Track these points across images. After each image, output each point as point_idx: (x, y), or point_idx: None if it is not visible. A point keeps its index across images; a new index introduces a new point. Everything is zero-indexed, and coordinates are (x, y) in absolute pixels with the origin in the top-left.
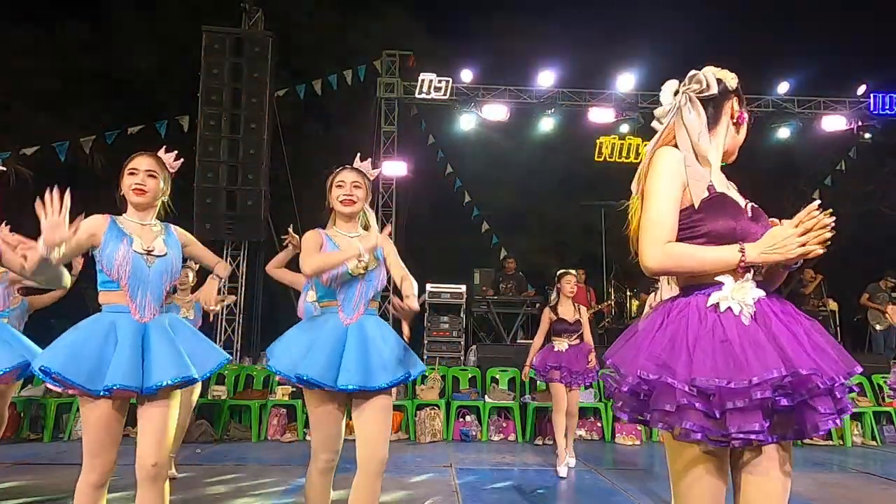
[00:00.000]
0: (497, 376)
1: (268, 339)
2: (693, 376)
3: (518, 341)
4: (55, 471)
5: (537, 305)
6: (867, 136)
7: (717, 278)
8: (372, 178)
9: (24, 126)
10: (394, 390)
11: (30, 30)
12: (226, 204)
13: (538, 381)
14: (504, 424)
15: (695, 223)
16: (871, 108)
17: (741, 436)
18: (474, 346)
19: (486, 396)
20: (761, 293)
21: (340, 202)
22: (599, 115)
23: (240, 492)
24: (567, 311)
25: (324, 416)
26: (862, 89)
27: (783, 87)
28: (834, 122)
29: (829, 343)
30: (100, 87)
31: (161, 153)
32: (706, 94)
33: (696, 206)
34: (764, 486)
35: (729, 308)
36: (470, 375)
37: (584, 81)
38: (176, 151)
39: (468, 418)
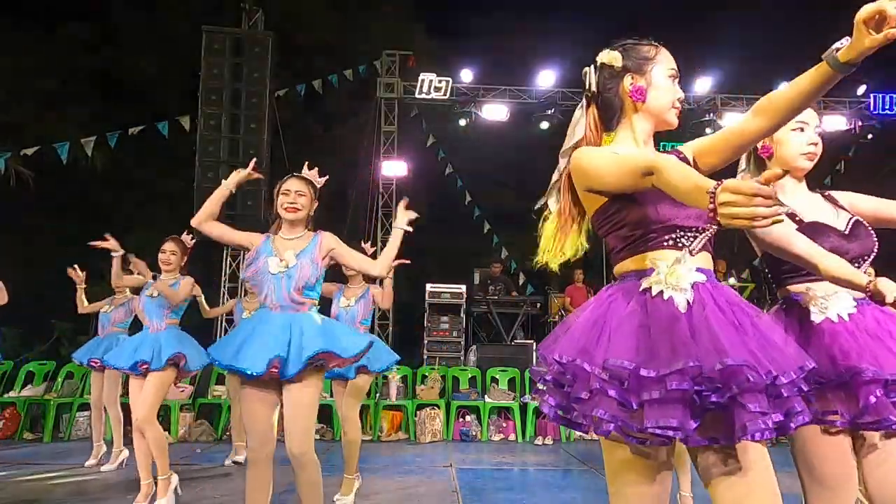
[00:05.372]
0: (497, 376)
1: None
2: (606, 358)
3: (518, 341)
4: (55, 471)
5: (538, 305)
6: (867, 136)
7: (649, 263)
8: (319, 186)
9: (24, 126)
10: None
11: (30, 30)
12: (226, 204)
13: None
14: (504, 424)
15: (613, 215)
16: (871, 108)
17: (658, 431)
18: (474, 346)
19: (486, 396)
20: (701, 277)
21: (284, 209)
22: None
23: (240, 492)
24: None
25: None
26: (862, 89)
27: (783, 87)
28: (834, 122)
29: (778, 335)
30: (100, 87)
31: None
32: (591, 90)
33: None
34: (727, 494)
35: (661, 293)
36: (470, 375)
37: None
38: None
39: (468, 418)
